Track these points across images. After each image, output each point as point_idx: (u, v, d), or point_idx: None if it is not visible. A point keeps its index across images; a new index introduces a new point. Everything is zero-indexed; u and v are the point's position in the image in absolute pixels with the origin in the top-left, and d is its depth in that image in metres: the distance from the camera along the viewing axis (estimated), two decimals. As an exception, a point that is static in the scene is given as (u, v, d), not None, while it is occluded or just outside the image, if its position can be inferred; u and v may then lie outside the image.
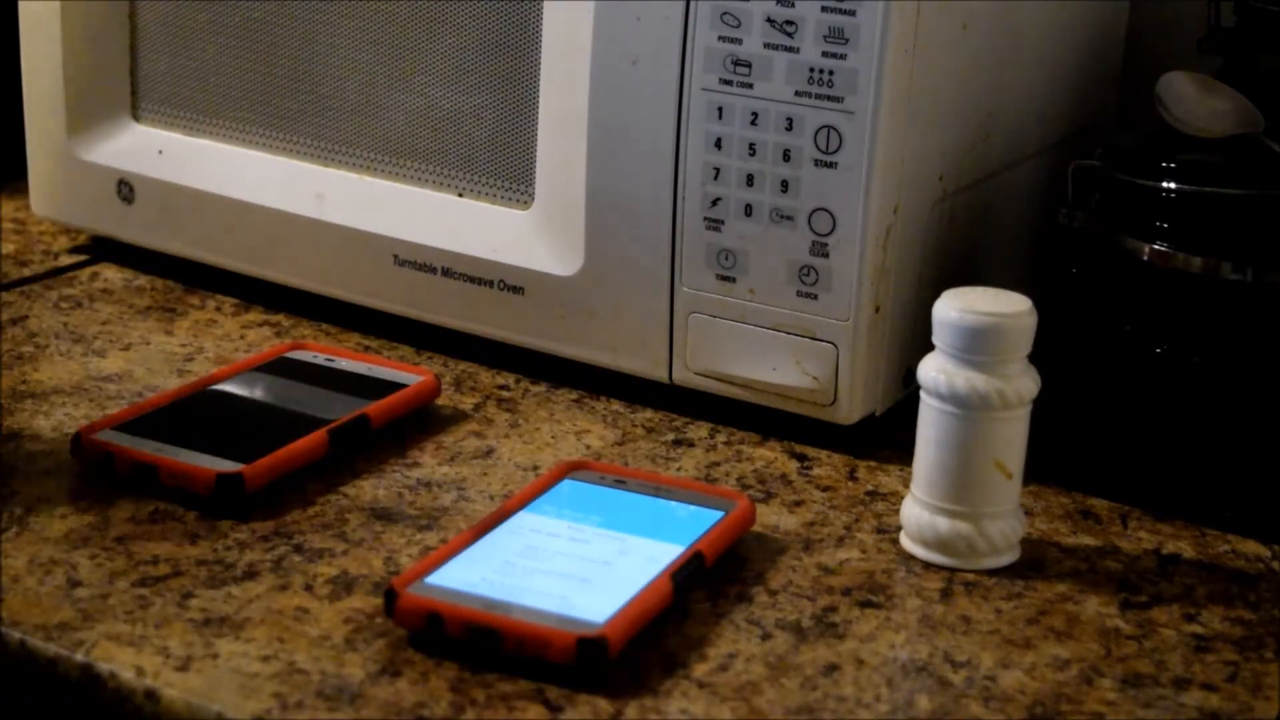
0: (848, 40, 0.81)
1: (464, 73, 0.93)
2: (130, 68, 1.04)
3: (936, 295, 0.77)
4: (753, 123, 0.84)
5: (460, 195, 0.95)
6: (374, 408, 0.86)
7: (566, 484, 0.80)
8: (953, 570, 0.77)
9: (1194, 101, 0.85)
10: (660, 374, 0.90)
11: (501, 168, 0.93)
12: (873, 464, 0.87)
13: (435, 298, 0.96)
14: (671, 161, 0.87)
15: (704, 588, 0.75)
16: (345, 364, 0.91)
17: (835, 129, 0.83)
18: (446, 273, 0.95)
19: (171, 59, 1.03)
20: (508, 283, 0.93)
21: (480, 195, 0.94)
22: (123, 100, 1.05)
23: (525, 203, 0.93)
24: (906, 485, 0.80)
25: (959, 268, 0.91)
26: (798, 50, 0.82)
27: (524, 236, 0.92)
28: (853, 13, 0.81)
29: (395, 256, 0.96)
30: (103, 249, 1.09)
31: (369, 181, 0.97)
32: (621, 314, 0.90)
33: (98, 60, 1.04)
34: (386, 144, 0.97)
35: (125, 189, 1.04)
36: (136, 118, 1.05)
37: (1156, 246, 0.83)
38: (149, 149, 1.04)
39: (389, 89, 0.96)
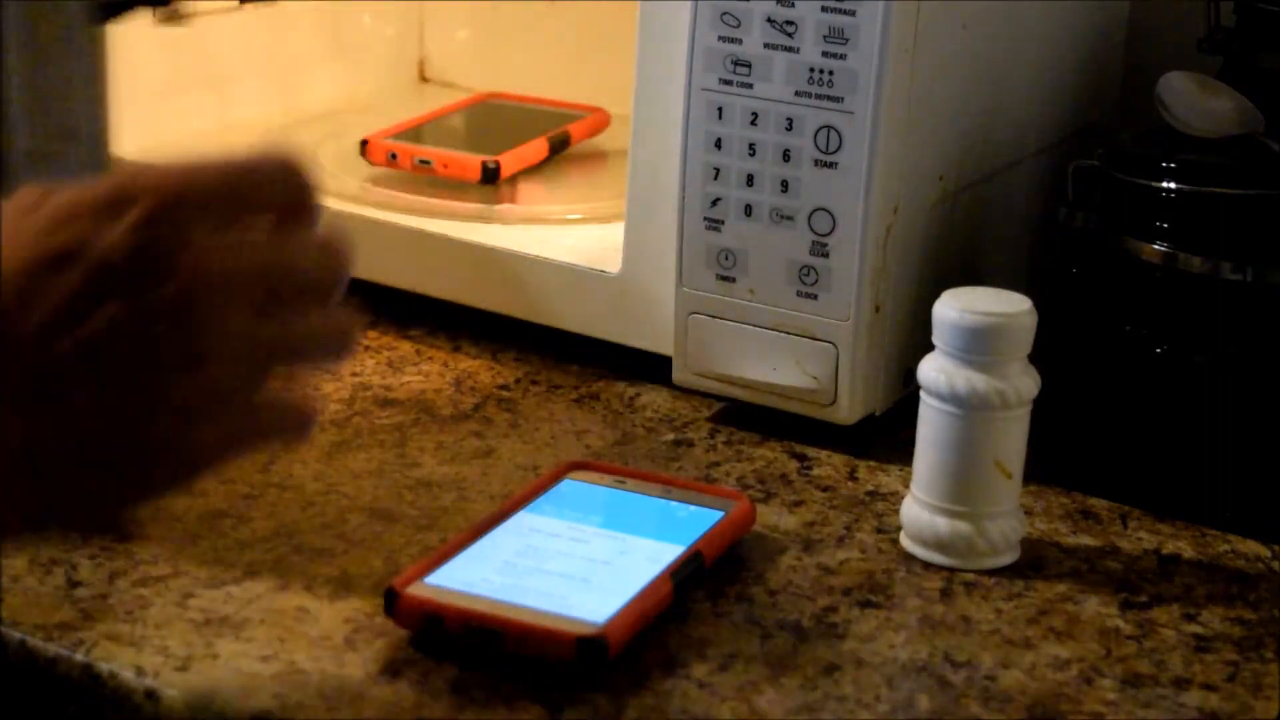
0: (848, 40, 0.81)
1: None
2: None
3: (936, 295, 0.77)
4: (753, 123, 0.84)
5: None
6: None
7: (566, 484, 0.80)
8: (953, 570, 0.77)
9: (1194, 101, 0.85)
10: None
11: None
12: (873, 464, 0.87)
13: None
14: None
15: (704, 588, 0.75)
16: None
17: (835, 129, 0.83)
18: None
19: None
20: None
21: None
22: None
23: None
24: (906, 485, 0.79)
25: (959, 268, 0.91)
26: (798, 50, 0.82)
27: None
28: (853, 13, 0.81)
29: None
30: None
31: None
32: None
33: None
34: None
35: None
36: None
37: (1157, 246, 0.83)
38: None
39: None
